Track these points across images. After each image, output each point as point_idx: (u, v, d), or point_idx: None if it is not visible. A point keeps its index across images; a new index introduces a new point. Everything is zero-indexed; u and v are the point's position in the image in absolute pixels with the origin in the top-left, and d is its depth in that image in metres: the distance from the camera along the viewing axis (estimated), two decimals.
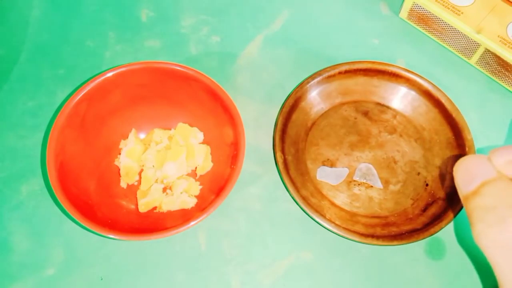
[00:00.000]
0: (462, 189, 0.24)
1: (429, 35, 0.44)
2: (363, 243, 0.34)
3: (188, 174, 0.38)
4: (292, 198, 0.35)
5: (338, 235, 0.34)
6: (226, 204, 0.37)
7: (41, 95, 0.41)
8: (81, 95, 0.34)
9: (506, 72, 0.40)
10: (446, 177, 0.37)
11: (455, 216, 0.34)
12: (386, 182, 0.38)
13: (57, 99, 0.41)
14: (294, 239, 0.36)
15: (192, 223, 0.31)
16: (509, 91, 0.42)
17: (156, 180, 0.37)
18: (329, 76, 0.40)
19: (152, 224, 0.35)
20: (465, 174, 0.23)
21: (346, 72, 0.40)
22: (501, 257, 0.21)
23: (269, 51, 0.43)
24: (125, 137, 0.38)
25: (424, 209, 0.36)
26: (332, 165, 0.38)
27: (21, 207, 0.37)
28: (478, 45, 0.40)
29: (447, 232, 0.36)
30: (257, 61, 0.43)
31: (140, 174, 0.37)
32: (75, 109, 0.34)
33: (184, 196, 0.36)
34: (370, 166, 0.38)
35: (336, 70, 0.40)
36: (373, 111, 0.40)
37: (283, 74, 0.42)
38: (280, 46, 0.44)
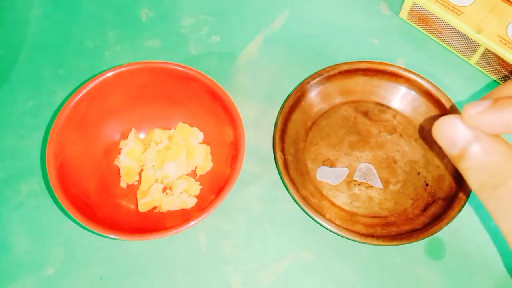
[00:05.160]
0: (447, 152, 0.24)
1: (429, 35, 0.44)
2: (363, 243, 0.34)
3: (188, 174, 0.38)
4: (292, 198, 0.35)
5: (338, 235, 0.34)
6: (226, 204, 0.37)
7: (41, 95, 0.41)
8: (81, 95, 0.34)
9: (506, 72, 0.40)
10: (446, 177, 0.37)
11: (455, 216, 0.34)
12: (386, 182, 0.38)
13: (57, 99, 0.41)
14: (294, 239, 0.36)
15: (192, 223, 0.31)
16: None
17: (156, 180, 0.37)
18: (329, 76, 0.40)
19: (152, 224, 0.35)
20: (445, 140, 0.24)
21: (346, 72, 0.40)
22: (503, 213, 0.22)
23: (269, 51, 0.43)
24: (125, 137, 0.38)
25: (424, 209, 0.36)
26: (332, 165, 0.38)
27: (21, 207, 0.37)
28: (478, 45, 0.40)
29: (447, 232, 0.36)
30: (257, 61, 0.43)
31: (140, 174, 0.37)
32: (75, 109, 0.34)
33: (184, 196, 0.36)
34: (370, 166, 0.38)
35: (336, 70, 0.40)
36: (373, 111, 0.40)
37: (283, 74, 0.42)
38: (280, 46, 0.44)
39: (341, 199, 0.37)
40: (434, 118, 0.39)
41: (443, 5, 0.40)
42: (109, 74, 0.35)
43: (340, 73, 0.40)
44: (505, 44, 0.39)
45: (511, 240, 0.22)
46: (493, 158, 0.22)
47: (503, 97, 0.22)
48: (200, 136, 0.38)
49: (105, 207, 0.34)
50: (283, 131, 0.38)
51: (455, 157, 0.24)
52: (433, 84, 0.39)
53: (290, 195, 0.35)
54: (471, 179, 0.23)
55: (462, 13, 0.39)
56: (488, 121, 0.22)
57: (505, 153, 0.22)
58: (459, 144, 0.23)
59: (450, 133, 0.23)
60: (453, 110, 0.38)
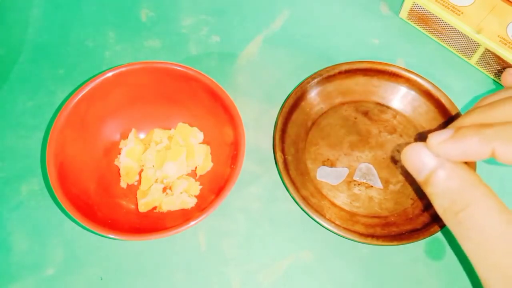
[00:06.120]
0: (415, 178, 0.25)
1: (429, 35, 0.44)
2: (363, 243, 0.34)
3: (188, 174, 0.38)
4: (292, 198, 0.35)
5: (338, 235, 0.34)
6: (226, 204, 0.37)
7: (41, 95, 0.41)
8: (81, 95, 0.34)
9: None
10: None
11: None
12: (386, 182, 0.38)
13: (57, 99, 0.41)
14: (294, 239, 0.36)
15: (192, 223, 0.31)
16: None
17: (156, 180, 0.37)
18: (329, 76, 0.40)
19: (152, 224, 0.35)
20: (411, 166, 0.25)
21: (346, 72, 0.40)
22: (466, 237, 0.23)
23: (269, 51, 0.43)
24: (125, 137, 0.38)
25: (424, 209, 0.36)
26: (332, 165, 0.38)
27: (21, 207, 0.37)
28: (478, 45, 0.40)
29: (447, 232, 0.36)
30: (257, 61, 0.43)
31: (140, 174, 0.37)
32: (75, 109, 0.34)
33: (184, 196, 0.36)
34: (370, 166, 0.38)
35: (336, 70, 0.40)
36: (373, 111, 0.40)
37: (283, 74, 0.42)
38: (280, 46, 0.44)
39: (341, 199, 0.37)
40: (435, 119, 0.39)
41: (443, 5, 0.40)
42: (109, 74, 0.35)
43: (340, 73, 0.40)
44: (505, 44, 0.39)
45: (473, 261, 0.23)
46: (455, 184, 0.23)
47: (464, 127, 0.23)
48: (200, 136, 0.38)
49: (105, 207, 0.34)
50: (283, 131, 0.38)
51: (421, 182, 0.25)
52: (433, 84, 0.39)
53: (290, 195, 0.35)
54: (436, 204, 0.24)
55: (462, 13, 0.39)
56: (448, 150, 0.23)
57: (466, 180, 0.23)
58: (425, 170, 0.24)
59: (416, 159, 0.24)
60: (453, 109, 0.38)
